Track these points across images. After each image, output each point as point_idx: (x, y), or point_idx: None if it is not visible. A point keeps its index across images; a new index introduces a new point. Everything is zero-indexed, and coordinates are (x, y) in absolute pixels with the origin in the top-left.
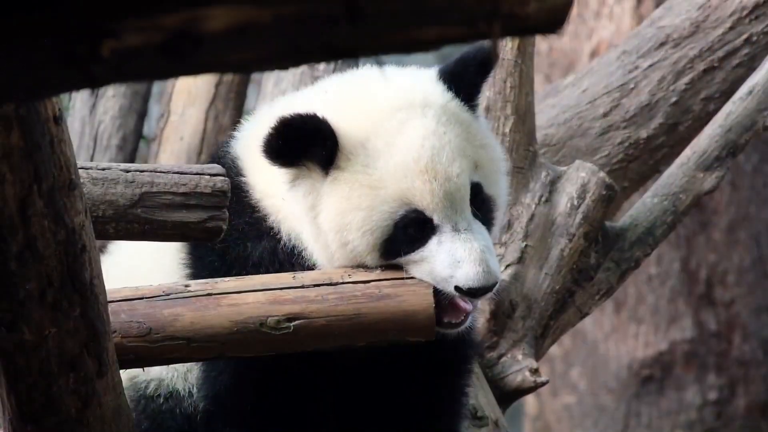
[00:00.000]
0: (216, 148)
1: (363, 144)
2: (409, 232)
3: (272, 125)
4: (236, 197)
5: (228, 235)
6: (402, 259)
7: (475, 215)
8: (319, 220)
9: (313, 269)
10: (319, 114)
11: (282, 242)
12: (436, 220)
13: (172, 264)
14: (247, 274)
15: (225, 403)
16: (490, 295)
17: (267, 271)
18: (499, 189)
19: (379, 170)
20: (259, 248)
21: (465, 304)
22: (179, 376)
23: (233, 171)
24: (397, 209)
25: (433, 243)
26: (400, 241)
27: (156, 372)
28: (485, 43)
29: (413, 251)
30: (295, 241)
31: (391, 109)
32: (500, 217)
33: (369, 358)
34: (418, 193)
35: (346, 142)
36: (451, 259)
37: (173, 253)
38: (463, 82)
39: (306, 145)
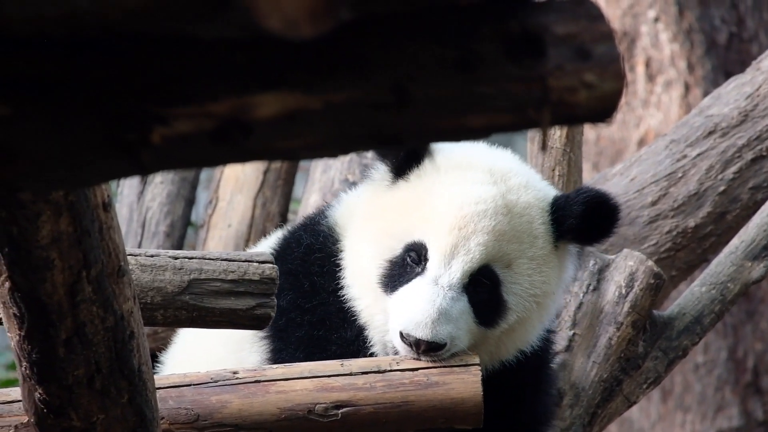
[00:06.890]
0: (313, 215)
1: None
2: (409, 257)
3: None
4: (331, 263)
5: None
6: (390, 299)
7: (471, 294)
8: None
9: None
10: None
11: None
12: (429, 260)
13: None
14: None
15: None
16: (438, 355)
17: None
18: (523, 306)
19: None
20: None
21: None
22: None
23: (330, 240)
24: (412, 237)
25: (412, 283)
26: (400, 266)
27: None
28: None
29: (400, 285)
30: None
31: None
32: (515, 331)
33: None
34: (436, 231)
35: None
36: (404, 304)
37: None
38: (565, 214)
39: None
